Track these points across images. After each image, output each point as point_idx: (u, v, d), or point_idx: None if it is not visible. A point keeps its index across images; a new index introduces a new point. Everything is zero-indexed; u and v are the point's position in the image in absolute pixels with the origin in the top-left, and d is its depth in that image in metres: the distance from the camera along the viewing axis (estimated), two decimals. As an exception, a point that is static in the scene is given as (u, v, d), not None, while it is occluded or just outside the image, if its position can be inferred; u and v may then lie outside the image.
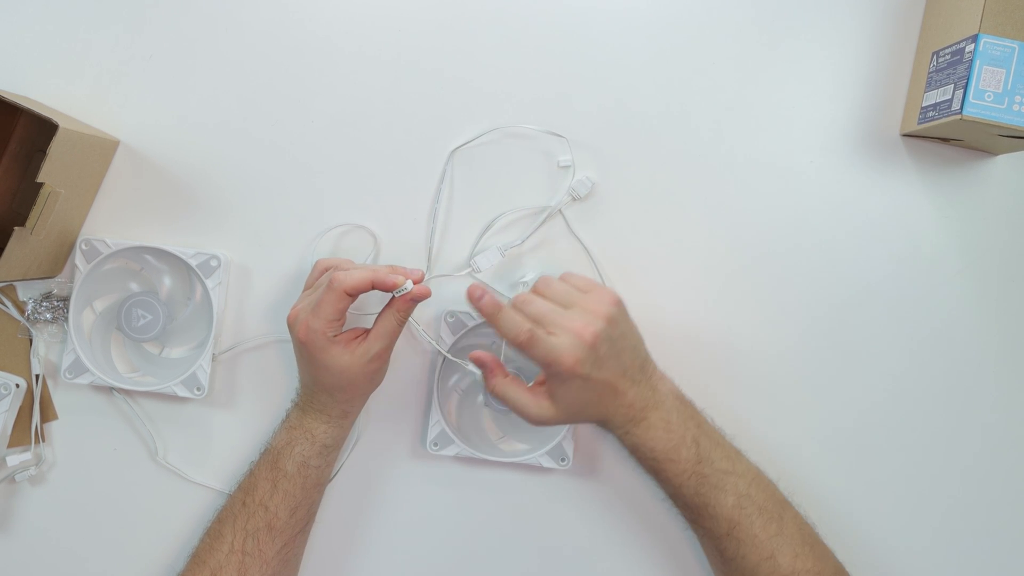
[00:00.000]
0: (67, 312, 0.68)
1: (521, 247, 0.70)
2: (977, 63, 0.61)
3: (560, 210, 0.70)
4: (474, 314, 0.68)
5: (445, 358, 0.69)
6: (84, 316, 0.69)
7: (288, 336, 0.70)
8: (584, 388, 0.58)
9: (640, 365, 0.61)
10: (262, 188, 0.70)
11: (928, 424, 0.72)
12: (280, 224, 0.70)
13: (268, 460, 0.65)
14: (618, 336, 0.58)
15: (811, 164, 0.71)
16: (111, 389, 0.70)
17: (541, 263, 0.70)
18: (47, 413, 0.70)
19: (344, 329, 0.62)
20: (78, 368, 0.68)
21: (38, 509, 0.71)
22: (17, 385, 0.68)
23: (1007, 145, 0.67)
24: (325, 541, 0.71)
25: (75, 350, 0.67)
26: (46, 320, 0.69)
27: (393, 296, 0.62)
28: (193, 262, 0.68)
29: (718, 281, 0.71)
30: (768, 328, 0.71)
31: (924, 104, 0.67)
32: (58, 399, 0.70)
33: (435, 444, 0.69)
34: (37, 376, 0.69)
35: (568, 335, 0.56)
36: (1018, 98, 0.62)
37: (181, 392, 0.68)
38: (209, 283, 0.68)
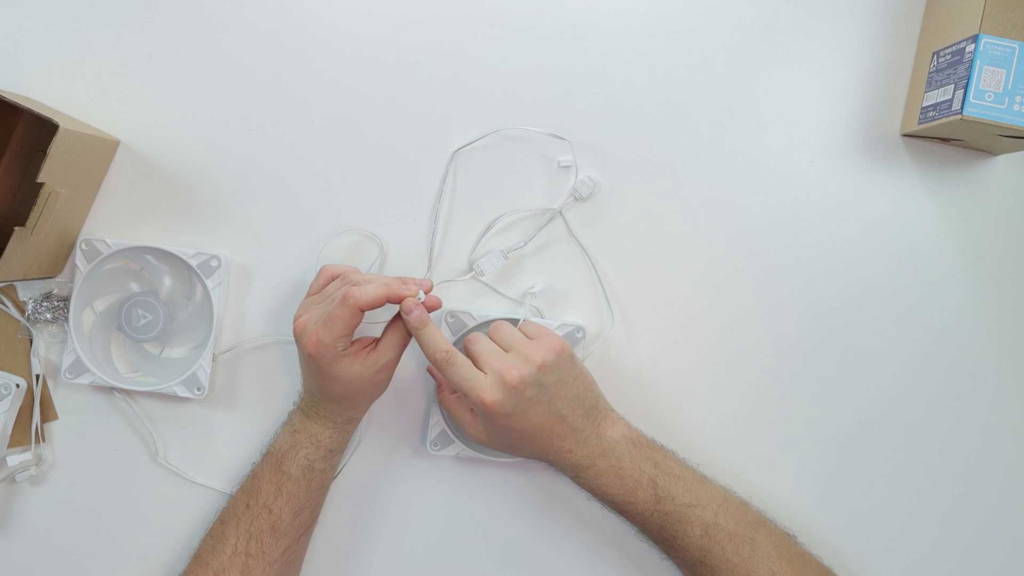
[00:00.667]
0: (67, 312, 0.68)
1: (523, 250, 0.70)
2: (977, 63, 0.61)
3: (561, 212, 0.70)
4: (475, 316, 0.68)
5: (445, 358, 0.69)
6: (84, 316, 0.69)
7: (288, 337, 0.70)
8: (508, 428, 0.60)
9: (584, 412, 0.62)
10: (262, 188, 0.70)
11: (928, 424, 0.72)
12: (280, 224, 0.70)
13: (272, 463, 0.65)
14: (553, 383, 0.60)
15: (811, 164, 0.71)
16: (111, 389, 0.70)
17: (545, 270, 0.70)
18: (47, 413, 0.70)
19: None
20: (78, 368, 0.68)
21: (38, 509, 0.71)
22: (17, 385, 0.68)
23: (1007, 145, 0.67)
24: (326, 541, 0.71)
25: (75, 350, 0.67)
26: (46, 320, 0.69)
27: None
28: (193, 262, 0.68)
29: (718, 281, 0.71)
30: (768, 328, 0.71)
31: (924, 104, 0.67)
32: (58, 399, 0.70)
33: (435, 444, 0.69)
34: (37, 376, 0.69)
35: (492, 374, 0.59)
36: (1018, 98, 0.62)
37: (181, 392, 0.68)
38: (209, 283, 0.68)
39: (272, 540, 0.63)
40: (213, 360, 0.69)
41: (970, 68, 0.62)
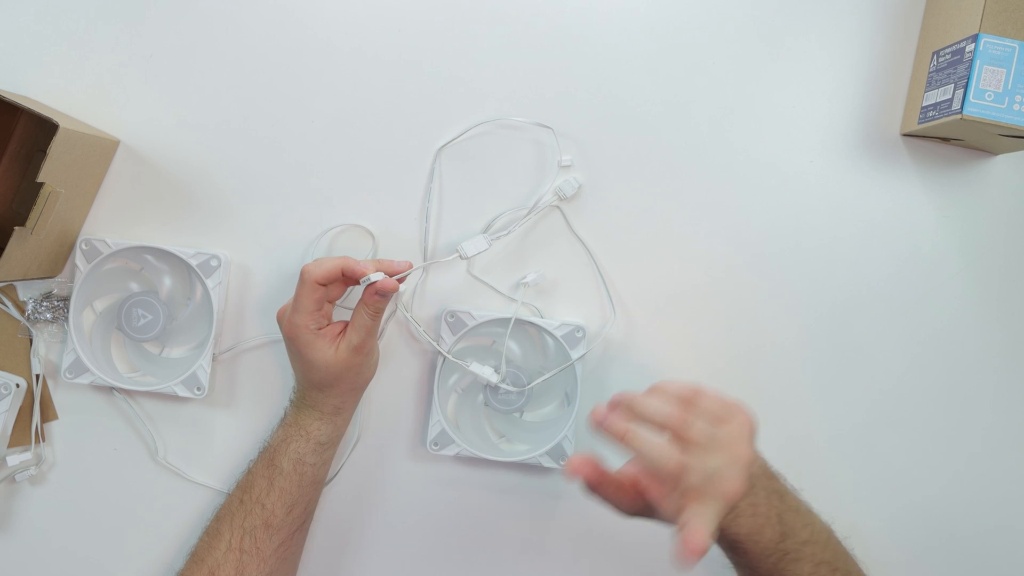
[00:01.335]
0: (67, 312, 0.68)
1: (524, 249, 0.70)
2: (977, 63, 0.61)
3: (560, 208, 0.70)
4: (475, 316, 0.68)
5: (445, 358, 0.69)
6: (84, 316, 0.69)
7: (287, 336, 0.70)
8: None
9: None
10: (262, 188, 0.70)
11: (929, 424, 0.72)
12: (280, 224, 0.70)
13: (265, 458, 0.65)
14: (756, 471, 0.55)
15: (811, 164, 0.71)
16: (111, 389, 0.70)
17: (546, 268, 0.70)
18: (47, 413, 0.70)
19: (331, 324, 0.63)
20: (78, 368, 0.68)
21: (38, 509, 0.71)
22: (17, 385, 0.68)
23: (1007, 145, 0.67)
24: (326, 541, 0.71)
25: (75, 350, 0.67)
26: (46, 320, 0.69)
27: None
28: (193, 262, 0.68)
29: (718, 280, 0.71)
30: (768, 328, 0.71)
31: (924, 104, 0.67)
32: (58, 399, 0.70)
33: (435, 444, 0.69)
34: (37, 376, 0.69)
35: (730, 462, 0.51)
36: (1018, 98, 0.62)
37: (181, 392, 0.68)
38: (209, 283, 0.68)
39: (266, 536, 0.63)
40: (213, 360, 0.69)
41: (970, 68, 0.62)
